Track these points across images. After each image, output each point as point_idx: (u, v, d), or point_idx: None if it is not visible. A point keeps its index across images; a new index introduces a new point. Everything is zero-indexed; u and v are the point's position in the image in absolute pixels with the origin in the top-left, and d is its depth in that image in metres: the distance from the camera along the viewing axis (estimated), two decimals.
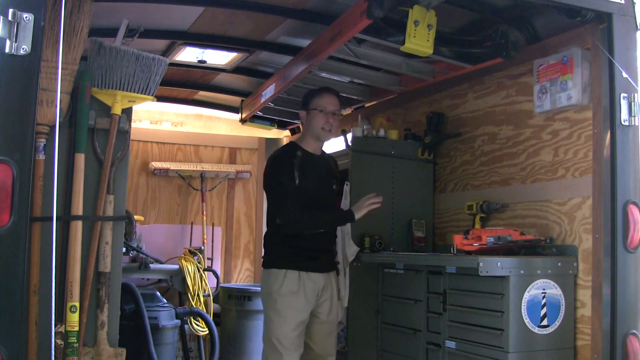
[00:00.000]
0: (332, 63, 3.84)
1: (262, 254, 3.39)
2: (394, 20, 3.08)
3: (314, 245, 3.25)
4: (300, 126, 3.48)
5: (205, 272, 4.89)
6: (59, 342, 2.66)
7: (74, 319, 2.69)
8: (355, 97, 4.52)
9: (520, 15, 3.38)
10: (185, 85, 5.08)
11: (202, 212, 5.53)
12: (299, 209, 3.15)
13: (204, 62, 4.45)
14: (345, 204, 3.80)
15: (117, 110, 2.88)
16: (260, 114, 5.04)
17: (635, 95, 2.82)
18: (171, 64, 3.75)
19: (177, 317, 4.41)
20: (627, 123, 2.81)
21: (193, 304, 4.69)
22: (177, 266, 4.84)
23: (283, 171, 3.20)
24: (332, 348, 3.36)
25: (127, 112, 2.93)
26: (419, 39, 2.99)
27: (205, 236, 5.45)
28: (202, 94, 5.37)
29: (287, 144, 3.45)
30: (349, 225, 3.75)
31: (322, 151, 3.44)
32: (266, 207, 3.58)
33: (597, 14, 2.86)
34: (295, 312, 3.16)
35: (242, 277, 5.80)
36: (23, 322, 2.40)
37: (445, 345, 3.22)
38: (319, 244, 3.28)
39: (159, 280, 4.89)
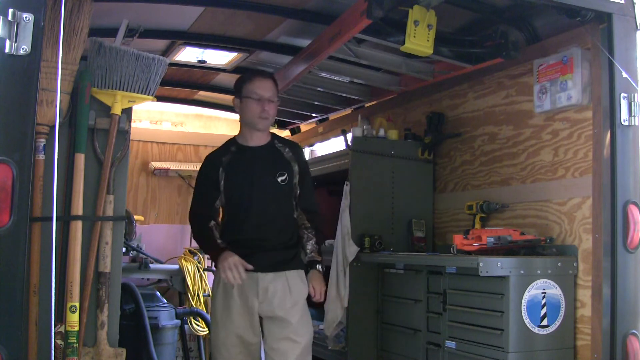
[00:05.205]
0: (332, 63, 3.84)
1: None
2: (394, 20, 3.09)
3: (250, 239, 2.95)
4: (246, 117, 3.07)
5: (205, 272, 4.89)
6: (59, 342, 2.66)
7: (73, 319, 2.69)
8: (355, 97, 4.52)
9: (520, 15, 3.38)
10: (185, 85, 5.08)
11: None
12: (200, 215, 2.98)
13: (204, 62, 4.45)
14: (345, 204, 3.80)
15: (117, 110, 2.88)
16: None
17: (635, 95, 2.82)
18: (171, 64, 3.75)
19: (177, 317, 4.41)
20: (627, 123, 2.81)
21: (193, 304, 4.69)
22: (177, 266, 4.84)
23: (202, 176, 3.07)
24: (287, 355, 2.89)
25: (127, 112, 2.93)
26: (419, 39, 3.00)
27: None
28: (202, 94, 5.37)
29: (226, 141, 3.14)
30: (348, 225, 3.75)
31: (274, 139, 3.11)
32: None
33: (597, 14, 2.86)
34: (228, 315, 2.90)
35: None
36: (23, 322, 2.40)
37: (445, 345, 3.22)
38: (256, 238, 2.95)
39: (159, 280, 4.89)
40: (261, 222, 2.97)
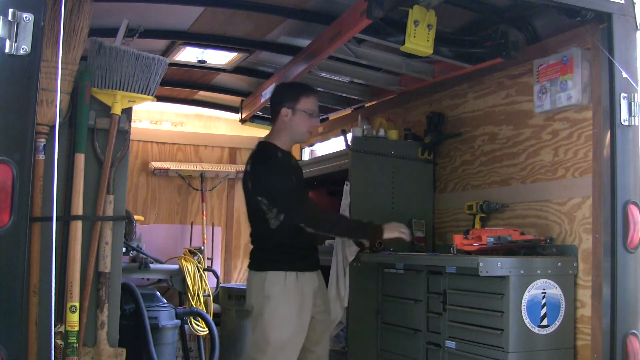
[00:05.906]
0: (332, 63, 3.84)
1: (251, 256, 3.20)
2: (394, 20, 3.09)
3: (306, 244, 3.16)
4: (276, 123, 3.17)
5: (205, 272, 4.89)
6: (59, 342, 2.66)
7: (73, 319, 2.69)
8: (355, 97, 4.52)
9: (520, 15, 3.38)
10: (185, 85, 5.08)
11: (202, 212, 5.53)
12: (315, 207, 3.17)
13: (204, 62, 4.45)
14: (345, 204, 3.80)
15: (117, 110, 2.88)
16: (260, 114, 5.03)
17: (635, 95, 2.82)
18: (171, 64, 3.76)
19: (177, 317, 4.41)
20: (627, 123, 2.81)
21: (193, 304, 4.69)
22: (177, 266, 4.85)
23: (287, 173, 3.09)
24: (327, 348, 3.25)
25: (127, 112, 2.94)
26: (419, 39, 2.99)
27: (205, 236, 5.45)
28: (202, 94, 5.37)
29: (264, 145, 3.18)
30: None
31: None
32: (253, 210, 3.16)
33: (597, 14, 2.87)
34: (297, 314, 3.02)
35: (242, 277, 5.79)
36: (23, 322, 2.40)
37: (445, 345, 3.22)
38: (309, 242, 3.18)
39: (159, 280, 4.89)
40: None
